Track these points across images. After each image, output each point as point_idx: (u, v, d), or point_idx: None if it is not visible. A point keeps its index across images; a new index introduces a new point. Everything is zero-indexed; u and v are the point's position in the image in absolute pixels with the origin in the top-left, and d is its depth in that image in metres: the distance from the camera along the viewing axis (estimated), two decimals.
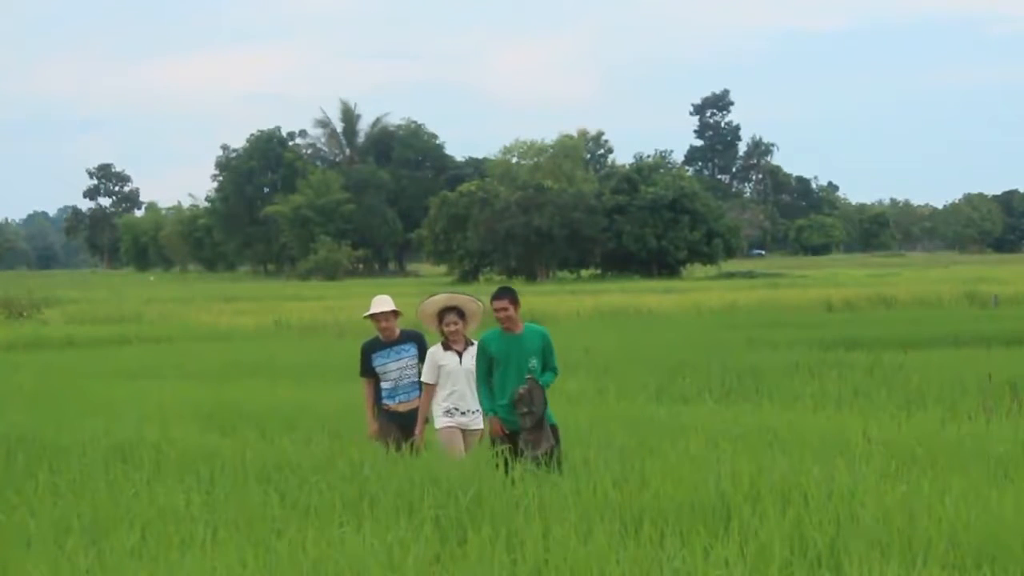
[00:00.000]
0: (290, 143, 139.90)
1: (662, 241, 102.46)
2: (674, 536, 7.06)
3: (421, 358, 10.32)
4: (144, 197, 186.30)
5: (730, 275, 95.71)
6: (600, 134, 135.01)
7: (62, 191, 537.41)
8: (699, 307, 47.36)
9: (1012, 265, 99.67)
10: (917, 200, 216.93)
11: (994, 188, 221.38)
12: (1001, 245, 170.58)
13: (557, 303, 49.08)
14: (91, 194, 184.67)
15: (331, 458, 10.11)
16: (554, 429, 9.59)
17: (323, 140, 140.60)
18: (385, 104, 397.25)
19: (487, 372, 9.64)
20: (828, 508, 7.50)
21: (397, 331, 10.46)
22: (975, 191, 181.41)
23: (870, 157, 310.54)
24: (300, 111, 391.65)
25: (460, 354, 10.00)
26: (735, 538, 6.92)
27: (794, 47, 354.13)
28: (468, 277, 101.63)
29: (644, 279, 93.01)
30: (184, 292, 78.89)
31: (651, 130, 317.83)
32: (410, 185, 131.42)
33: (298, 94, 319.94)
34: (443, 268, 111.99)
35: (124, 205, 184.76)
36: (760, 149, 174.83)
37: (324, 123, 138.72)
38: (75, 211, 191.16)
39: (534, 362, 9.57)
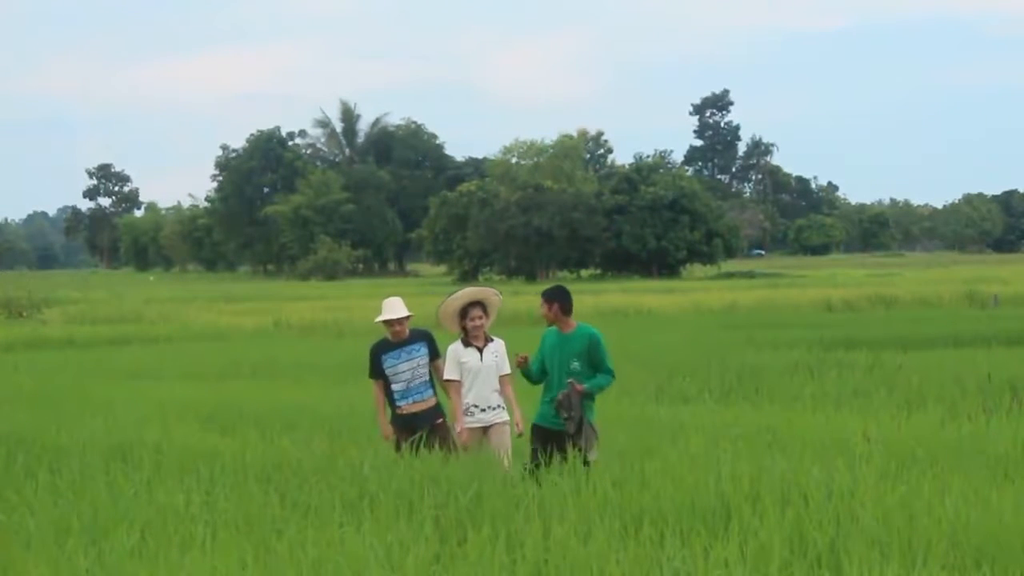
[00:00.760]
0: (290, 143, 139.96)
1: (662, 241, 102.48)
2: (674, 536, 7.05)
3: (432, 357, 10.16)
4: (144, 197, 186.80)
5: (730, 275, 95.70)
6: (600, 134, 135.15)
7: (62, 191, 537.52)
8: (699, 307, 47.38)
9: (1012, 265, 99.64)
10: (917, 200, 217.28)
11: (994, 188, 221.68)
12: (1001, 245, 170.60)
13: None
14: (91, 194, 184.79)
15: (331, 458, 10.10)
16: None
17: (323, 140, 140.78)
18: (385, 104, 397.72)
19: (541, 365, 9.70)
20: (828, 508, 7.49)
21: (407, 331, 10.26)
22: (975, 191, 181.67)
23: (870, 157, 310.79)
24: (300, 111, 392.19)
25: (480, 350, 9.84)
26: (735, 538, 6.92)
27: (794, 47, 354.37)
28: (468, 277, 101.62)
29: (644, 279, 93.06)
30: (184, 292, 78.87)
31: (651, 130, 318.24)
32: (410, 185, 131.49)
33: (298, 94, 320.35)
34: (443, 268, 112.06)
35: (124, 205, 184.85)
36: (760, 149, 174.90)
37: (324, 123, 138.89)
38: (75, 211, 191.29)
39: (576, 364, 9.51)
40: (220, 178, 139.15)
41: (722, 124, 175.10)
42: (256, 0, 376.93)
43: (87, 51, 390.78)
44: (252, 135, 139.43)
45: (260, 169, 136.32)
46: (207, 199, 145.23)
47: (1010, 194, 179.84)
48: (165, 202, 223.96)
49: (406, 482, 8.68)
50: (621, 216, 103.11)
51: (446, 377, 9.92)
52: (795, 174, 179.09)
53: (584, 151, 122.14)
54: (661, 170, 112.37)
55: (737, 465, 8.81)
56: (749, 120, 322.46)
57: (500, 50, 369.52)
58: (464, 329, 9.88)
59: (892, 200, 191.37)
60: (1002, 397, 15.22)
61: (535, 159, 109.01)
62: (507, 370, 9.91)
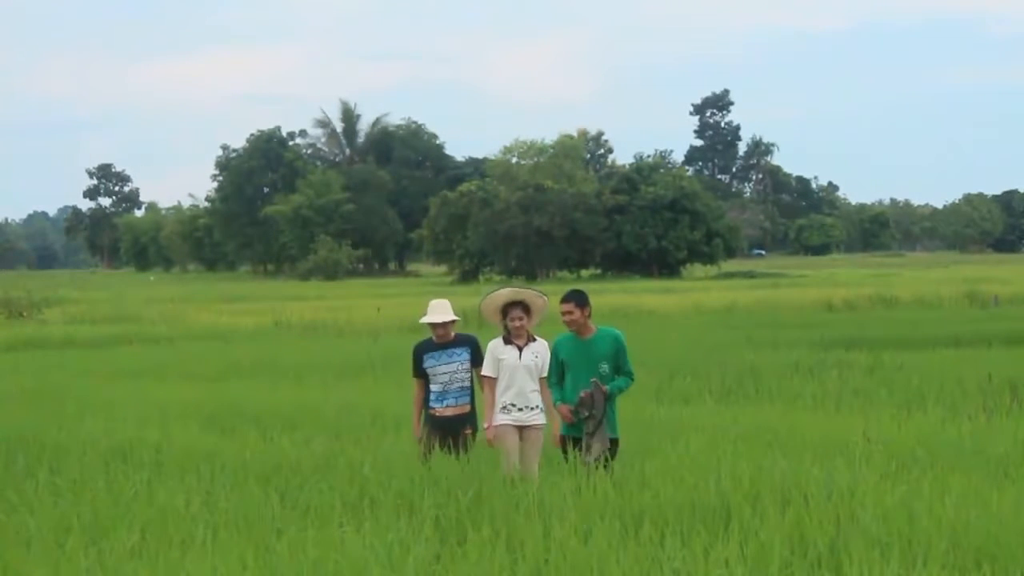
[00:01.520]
0: (290, 143, 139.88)
1: (662, 241, 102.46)
2: (674, 536, 7.05)
3: (474, 362, 10.07)
4: (144, 197, 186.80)
5: (730, 275, 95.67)
6: (600, 134, 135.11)
7: (62, 191, 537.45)
8: (699, 307, 47.34)
9: (1012, 265, 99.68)
10: (917, 200, 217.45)
11: (994, 188, 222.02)
12: (1001, 245, 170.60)
13: (557, 303, 48.92)
14: (91, 194, 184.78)
15: (331, 458, 10.11)
16: (615, 442, 9.48)
17: (323, 140, 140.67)
18: (385, 104, 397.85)
19: (560, 375, 9.56)
20: (828, 508, 7.50)
21: (452, 334, 10.18)
22: (975, 191, 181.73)
23: (870, 157, 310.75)
24: (300, 111, 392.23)
25: (520, 349, 9.73)
26: (735, 538, 6.92)
27: (794, 47, 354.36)
28: (468, 277, 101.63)
29: (644, 279, 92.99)
30: (184, 292, 78.83)
31: (651, 130, 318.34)
32: (410, 185, 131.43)
33: (298, 94, 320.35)
34: (443, 268, 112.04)
35: (124, 205, 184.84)
36: (760, 149, 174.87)
37: (324, 123, 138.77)
38: (75, 211, 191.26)
39: (605, 367, 9.42)
40: (220, 178, 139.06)
41: (722, 124, 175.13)
42: (256, 0, 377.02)
43: (87, 51, 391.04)
44: (252, 135, 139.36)
45: (260, 169, 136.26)
46: (207, 199, 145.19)
47: (1010, 194, 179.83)
48: (165, 202, 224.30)
49: (406, 482, 8.69)
50: (621, 216, 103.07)
51: (483, 373, 9.82)
52: (795, 174, 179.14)
53: (584, 151, 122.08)
54: (661, 170, 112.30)
55: (737, 465, 8.82)
56: (749, 120, 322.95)
57: (500, 50, 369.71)
58: (506, 327, 9.81)
59: (892, 200, 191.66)
60: (1002, 397, 15.22)
61: (535, 159, 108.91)
62: (546, 372, 9.79)
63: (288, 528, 7.59)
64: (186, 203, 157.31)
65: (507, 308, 9.78)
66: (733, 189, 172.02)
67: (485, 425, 9.82)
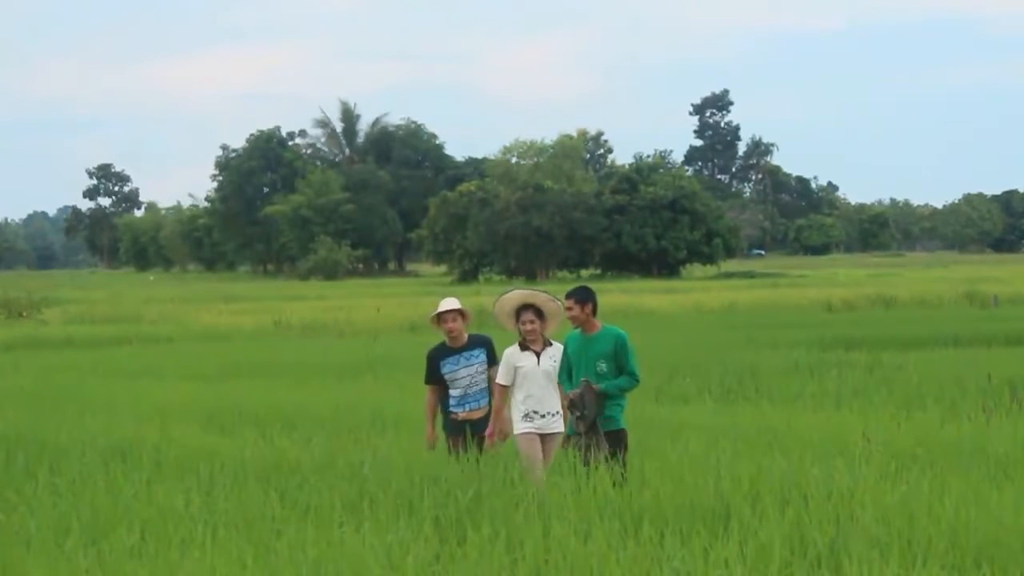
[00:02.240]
0: (290, 143, 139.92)
1: (662, 241, 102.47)
2: (674, 536, 7.05)
3: (490, 363, 9.98)
4: (144, 197, 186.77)
5: (730, 275, 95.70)
6: (600, 134, 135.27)
7: (62, 191, 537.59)
8: (699, 307, 47.37)
9: (1012, 265, 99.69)
10: (917, 200, 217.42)
11: (994, 188, 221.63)
12: (1001, 245, 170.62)
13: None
14: (91, 194, 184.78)
15: (331, 458, 10.11)
16: (622, 433, 9.44)
17: (323, 140, 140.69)
18: (385, 104, 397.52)
19: (569, 372, 9.53)
20: (828, 508, 7.50)
21: (465, 336, 10.07)
22: (975, 191, 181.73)
23: (870, 157, 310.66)
24: (300, 111, 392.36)
25: (538, 355, 9.59)
26: (735, 538, 6.92)
27: (794, 47, 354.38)
28: (467, 277, 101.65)
29: (644, 279, 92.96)
30: (184, 292, 78.84)
31: (651, 130, 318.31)
32: (410, 185, 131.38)
33: (298, 94, 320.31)
34: (443, 268, 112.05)
35: (124, 205, 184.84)
36: (760, 149, 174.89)
37: (324, 123, 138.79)
38: (75, 211, 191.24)
39: (603, 366, 9.36)
40: (220, 178, 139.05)
41: (722, 124, 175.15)
42: (256, 1, 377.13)
43: (87, 51, 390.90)
44: (252, 135, 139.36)
45: (260, 169, 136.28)
46: (207, 199, 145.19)
47: (1010, 194, 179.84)
48: (165, 202, 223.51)
49: (406, 482, 8.69)
50: (621, 216, 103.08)
51: (498, 380, 9.70)
52: (795, 174, 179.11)
53: (584, 151, 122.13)
54: (661, 170, 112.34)
55: (737, 465, 8.82)
56: (749, 120, 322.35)
57: (500, 50, 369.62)
58: (520, 332, 9.70)
59: (892, 200, 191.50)
60: (1002, 397, 15.22)
61: (535, 159, 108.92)
62: None
63: (287, 528, 7.59)
64: (186, 203, 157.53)
65: (519, 311, 9.67)
66: (733, 189, 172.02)
67: (488, 431, 9.79)
